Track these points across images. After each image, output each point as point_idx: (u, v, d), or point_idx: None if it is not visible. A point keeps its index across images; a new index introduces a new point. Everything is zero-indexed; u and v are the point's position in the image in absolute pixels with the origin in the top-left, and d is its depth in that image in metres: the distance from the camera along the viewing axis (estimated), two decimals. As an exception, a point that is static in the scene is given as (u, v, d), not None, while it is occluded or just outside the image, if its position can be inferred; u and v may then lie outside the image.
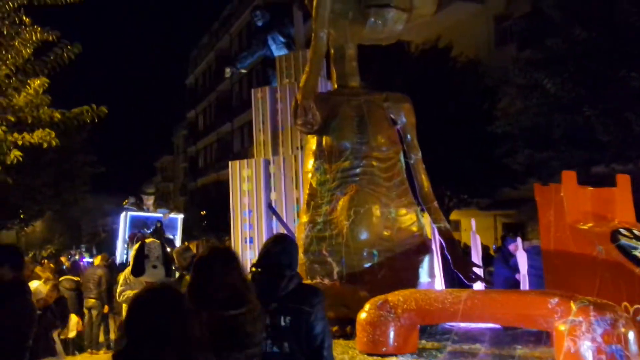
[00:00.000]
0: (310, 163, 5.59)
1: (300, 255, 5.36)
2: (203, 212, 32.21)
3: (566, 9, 13.63)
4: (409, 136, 5.71)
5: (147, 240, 5.00)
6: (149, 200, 13.28)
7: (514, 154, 15.37)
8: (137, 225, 14.66)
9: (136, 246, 4.93)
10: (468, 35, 20.45)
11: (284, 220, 7.48)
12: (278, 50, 8.89)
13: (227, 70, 9.47)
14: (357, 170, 5.33)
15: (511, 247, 9.61)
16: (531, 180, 18.15)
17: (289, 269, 3.36)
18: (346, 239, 5.14)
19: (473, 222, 6.05)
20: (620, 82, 12.38)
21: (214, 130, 42.58)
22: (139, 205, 13.14)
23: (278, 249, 3.40)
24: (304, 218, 5.52)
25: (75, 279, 10.47)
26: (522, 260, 5.66)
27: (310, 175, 5.54)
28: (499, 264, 8.54)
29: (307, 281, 5.27)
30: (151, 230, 14.27)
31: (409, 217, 5.37)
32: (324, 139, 5.46)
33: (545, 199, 4.43)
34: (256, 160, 8.08)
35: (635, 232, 4.39)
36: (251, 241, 7.82)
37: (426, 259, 5.37)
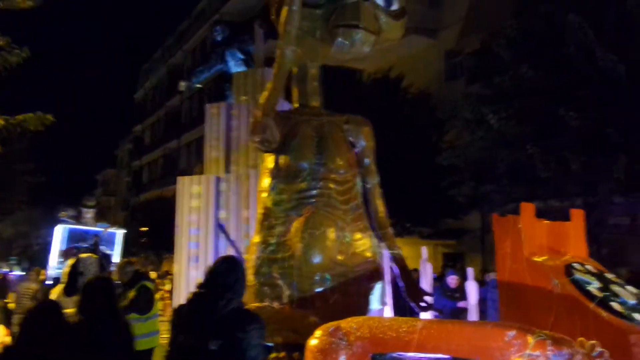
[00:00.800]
0: (265, 182, 5.37)
1: (251, 277, 5.13)
2: (144, 229, 31.26)
3: (515, 48, 14.05)
4: (366, 160, 5.59)
5: (82, 256, 4.63)
6: (89, 214, 12.66)
7: (458, 186, 15.62)
8: (74, 239, 13.99)
9: (70, 262, 4.56)
10: (420, 68, 20.86)
11: (233, 240, 7.23)
12: (236, 67, 8.73)
13: (182, 84, 9.19)
14: (314, 192, 5.16)
15: (449, 279, 9.63)
16: (473, 212, 18.54)
17: (231, 291, 3.24)
18: (299, 261, 4.94)
19: (424, 250, 5.94)
20: (561, 121, 12.77)
21: (161, 146, 41.72)
22: (77, 218, 12.52)
23: (223, 269, 3.30)
24: (256, 238, 5.29)
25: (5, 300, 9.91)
26: (472, 290, 5.58)
27: (264, 194, 5.33)
28: (437, 294, 8.52)
29: (256, 304, 5.04)
30: (87, 244, 13.62)
31: (363, 242, 5.23)
32: (281, 158, 5.27)
33: (502, 230, 4.37)
34: (207, 177, 7.81)
35: (588, 266, 4.38)
36: (197, 260, 7.50)
37: (378, 286, 5.22)
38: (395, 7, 5.10)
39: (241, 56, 8.74)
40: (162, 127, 43.31)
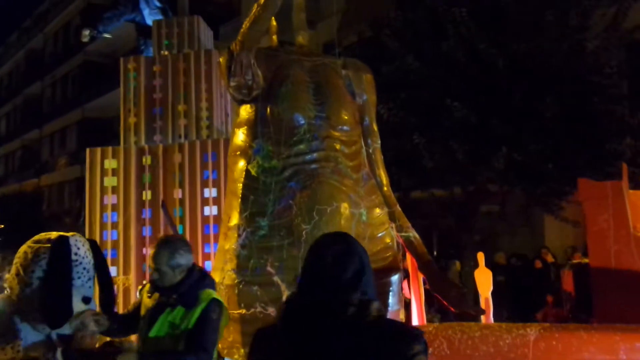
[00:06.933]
0: (243, 142, 3.46)
1: (230, 272, 3.23)
2: (1, 226, 26.15)
3: (400, 39, 13.24)
4: (367, 118, 3.90)
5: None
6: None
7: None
8: None
9: None
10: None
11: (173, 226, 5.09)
12: (152, 16, 6.47)
13: (86, 33, 6.65)
14: (316, 155, 3.36)
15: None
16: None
17: (357, 291, 1.48)
18: (305, 250, 3.14)
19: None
20: (446, 111, 12.13)
21: (19, 137, 35.65)
22: None
23: (338, 251, 1.51)
24: (236, 220, 3.36)
25: None
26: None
27: (243, 160, 3.41)
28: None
29: (241, 310, 3.15)
30: None
31: (381, 222, 3.54)
32: (268, 109, 3.39)
33: (596, 200, 2.94)
34: (126, 147, 5.54)
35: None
36: (114, 254, 5.24)
37: (396, 279, 3.57)
38: None
39: (158, 4, 6.51)
40: (19, 116, 37.05)
